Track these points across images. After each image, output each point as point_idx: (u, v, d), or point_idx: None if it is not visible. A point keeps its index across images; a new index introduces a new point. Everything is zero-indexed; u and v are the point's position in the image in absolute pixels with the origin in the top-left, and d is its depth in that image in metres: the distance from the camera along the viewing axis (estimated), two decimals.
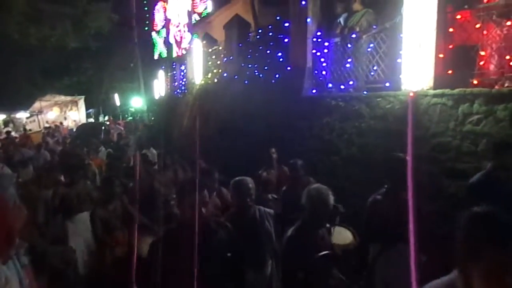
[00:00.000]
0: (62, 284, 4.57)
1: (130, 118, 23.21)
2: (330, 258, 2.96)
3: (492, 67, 4.11)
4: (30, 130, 18.67)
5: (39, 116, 20.57)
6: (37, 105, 20.27)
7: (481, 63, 4.17)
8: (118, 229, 4.49)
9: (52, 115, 22.08)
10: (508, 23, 3.99)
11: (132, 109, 22.74)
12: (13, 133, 17.58)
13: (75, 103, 22.49)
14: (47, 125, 19.63)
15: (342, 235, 3.89)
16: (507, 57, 3.90)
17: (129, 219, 4.53)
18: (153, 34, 19.86)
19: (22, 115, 20.91)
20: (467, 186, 3.52)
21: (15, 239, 2.65)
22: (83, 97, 22.55)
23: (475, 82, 4.17)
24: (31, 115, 20.80)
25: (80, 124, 20.40)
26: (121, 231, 4.51)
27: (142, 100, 21.10)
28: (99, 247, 4.54)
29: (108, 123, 19.98)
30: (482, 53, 4.15)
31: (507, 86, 3.86)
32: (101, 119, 22.75)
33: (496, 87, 3.93)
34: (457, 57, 4.35)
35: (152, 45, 19.43)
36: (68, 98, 22.30)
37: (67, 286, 4.64)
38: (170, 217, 5.12)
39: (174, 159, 6.80)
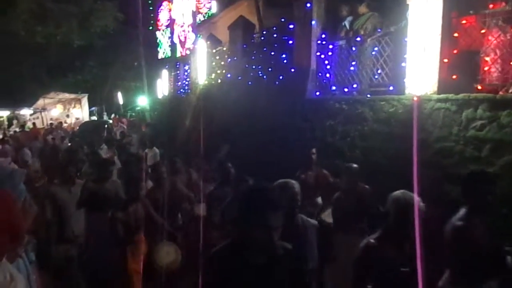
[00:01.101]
0: (65, 280, 4.59)
1: (133, 115, 23.18)
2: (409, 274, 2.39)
3: (496, 72, 4.11)
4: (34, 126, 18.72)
5: (43, 113, 20.64)
6: (40, 102, 20.34)
7: (485, 68, 4.17)
8: (138, 232, 4.32)
9: (55, 112, 22.13)
10: None
11: (138, 108, 22.63)
12: (17, 129, 17.69)
13: (79, 101, 22.54)
14: (51, 121, 19.72)
15: None
16: (511, 63, 3.90)
17: (151, 223, 4.44)
18: (158, 33, 19.92)
19: (26, 112, 20.97)
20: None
21: (23, 237, 2.65)
22: (86, 95, 22.60)
23: (479, 87, 4.17)
24: (35, 112, 20.86)
25: (83, 122, 20.45)
26: (141, 235, 4.35)
27: (145, 99, 21.10)
28: (120, 251, 4.29)
29: (111, 121, 20.01)
30: (487, 58, 4.15)
31: (511, 92, 3.85)
32: (104, 117, 22.75)
33: (501, 93, 3.92)
34: (461, 62, 4.35)
35: (156, 44, 19.49)
36: (72, 95, 22.34)
37: (70, 282, 4.66)
38: (193, 220, 5.06)
39: (188, 161, 6.61)
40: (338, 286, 3.87)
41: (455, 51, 4.38)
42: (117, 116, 22.27)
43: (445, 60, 4.37)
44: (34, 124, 18.26)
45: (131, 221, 4.18)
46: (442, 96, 4.39)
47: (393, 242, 2.49)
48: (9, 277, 2.17)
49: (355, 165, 4.37)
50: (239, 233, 2.04)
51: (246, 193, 2.09)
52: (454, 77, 4.35)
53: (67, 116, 22.14)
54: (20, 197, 3.31)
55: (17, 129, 17.89)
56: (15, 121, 20.58)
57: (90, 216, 4.85)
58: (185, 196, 5.27)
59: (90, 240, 4.78)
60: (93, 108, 24.19)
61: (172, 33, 17.28)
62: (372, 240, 2.56)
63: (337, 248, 4.00)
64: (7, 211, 2.20)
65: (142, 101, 21.34)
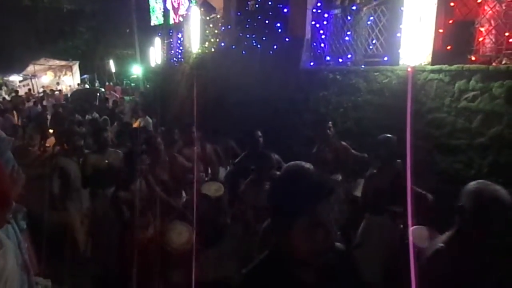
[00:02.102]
0: (61, 249, 4.64)
1: (129, 83, 22.86)
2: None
3: (490, 43, 4.10)
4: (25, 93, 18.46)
5: (33, 80, 20.32)
6: (30, 68, 20.01)
7: (480, 39, 4.15)
8: (144, 212, 3.87)
9: (46, 79, 21.83)
10: None
11: (134, 76, 22.21)
12: (6, 97, 17.44)
13: (70, 68, 22.20)
14: (41, 89, 19.44)
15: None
16: (506, 34, 3.88)
17: (156, 201, 3.94)
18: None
19: (15, 78, 20.63)
20: None
21: (11, 203, 2.67)
22: (77, 62, 22.25)
23: (473, 58, 4.16)
24: (25, 79, 20.54)
25: (74, 89, 20.19)
26: (147, 215, 3.90)
27: (139, 68, 20.77)
28: (125, 233, 3.90)
29: (103, 89, 19.77)
30: (482, 29, 4.13)
31: (504, 63, 3.86)
32: (96, 85, 22.45)
33: (494, 64, 3.93)
34: (456, 32, 4.32)
35: (148, 10, 19.00)
36: (63, 62, 21.99)
37: (65, 252, 4.72)
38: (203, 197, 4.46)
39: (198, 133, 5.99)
40: (369, 270, 3.31)
41: (450, 21, 4.34)
42: (111, 84, 22.00)
43: (440, 31, 4.33)
44: (16, 92, 17.95)
45: (136, 201, 3.74)
46: (435, 67, 4.38)
47: (468, 247, 1.87)
48: None
49: (393, 136, 3.70)
50: (284, 237, 1.33)
51: (298, 178, 1.34)
52: (448, 47, 4.33)
53: (58, 83, 21.84)
54: (7, 165, 3.31)
55: (6, 96, 17.65)
56: (4, 88, 20.27)
57: (95, 197, 4.57)
58: (188, 171, 4.82)
59: (97, 226, 4.53)
60: (84, 76, 23.86)
61: None
62: (441, 245, 1.94)
63: (367, 231, 3.73)
64: None
65: (136, 70, 21.01)
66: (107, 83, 22.54)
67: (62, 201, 4.76)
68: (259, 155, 3.78)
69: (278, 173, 3.45)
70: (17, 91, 17.52)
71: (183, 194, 4.73)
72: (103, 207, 4.43)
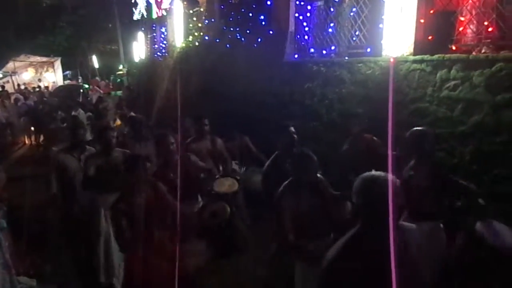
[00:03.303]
0: (42, 247, 4.57)
1: (118, 80, 22.51)
2: None
3: (470, 33, 4.15)
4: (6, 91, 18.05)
5: (13, 77, 19.89)
6: (10, 65, 19.57)
7: (460, 29, 4.20)
8: (152, 229, 3.20)
9: (27, 76, 21.36)
10: None
11: (121, 72, 21.76)
12: None
13: (51, 64, 21.76)
14: (22, 87, 19.04)
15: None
16: (485, 23, 3.94)
17: (168, 215, 3.27)
18: None
19: None
20: None
21: None
22: (59, 58, 21.81)
23: (453, 48, 4.21)
24: (4, 76, 20.08)
25: (57, 86, 19.83)
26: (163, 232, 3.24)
27: (122, 63, 20.48)
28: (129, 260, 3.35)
29: (86, 86, 19.46)
30: (462, 18, 4.17)
31: (484, 53, 3.91)
32: (79, 81, 22.08)
33: (474, 53, 3.98)
34: (437, 22, 4.36)
35: (131, 5, 18.72)
36: (44, 58, 21.53)
37: (47, 249, 4.65)
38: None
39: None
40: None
41: (431, 11, 4.38)
42: (96, 78, 21.66)
43: (422, 21, 4.37)
44: (2, 87, 17.59)
45: (140, 214, 3.14)
46: (417, 57, 4.42)
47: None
48: None
49: (430, 130, 3.46)
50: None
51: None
52: (430, 37, 4.37)
53: (39, 80, 21.41)
54: None
55: None
56: None
57: (98, 200, 4.18)
58: (202, 170, 4.36)
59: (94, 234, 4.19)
60: (67, 72, 23.45)
61: None
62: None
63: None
64: None
65: (125, 66, 20.72)
66: (92, 78, 22.23)
67: (62, 201, 4.46)
68: (298, 155, 3.27)
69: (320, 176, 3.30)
70: (3, 86, 17.22)
71: (199, 198, 4.30)
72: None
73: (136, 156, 3.49)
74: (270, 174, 3.81)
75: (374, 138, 4.32)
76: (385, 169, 1.92)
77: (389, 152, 2.22)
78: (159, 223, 3.23)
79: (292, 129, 3.97)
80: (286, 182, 3.24)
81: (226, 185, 4.26)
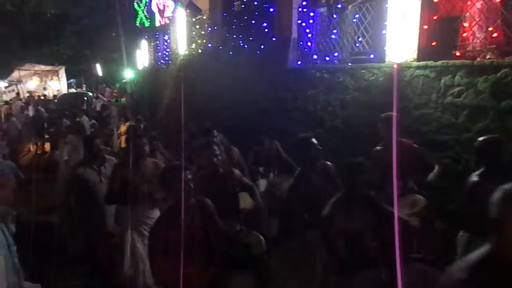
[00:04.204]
0: (47, 254, 4.55)
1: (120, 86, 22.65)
2: None
3: (474, 39, 4.12)
4: (10, 100, 18.20)
5: (19, 86, 20.03)
6: (15, 74, 19.71)
7: (464, 34, 4.18)
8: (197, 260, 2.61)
9: (32, 84, 21.50)
10: None
11: (125, 80, 21.81)
12: None
13: (56, 72, 21.90)
14: (27, 95, 19.16)
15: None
16: (490, 28, 3.91)
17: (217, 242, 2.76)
18: (135, 2, 19.24)
19: (0, 85, 20.33)
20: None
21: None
22: (63, 66, 21.95)
23: (457, 54, 4.19)
24: (10, 85, 20.23)
25: (61, 94, 19.95)
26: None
27: (130, 72, 20.56)
28: None
29: (90, 94, 19.54)
30: (466, 24, 4.15)
31: (488, 58, 3.89)
32: (83, 89, 22.23)
33: (478, 59, 3.95)
34: (441, 28, 4.34)
35: (134, 13, 18.88)
36: (48, 67, 21.68)
37: (52, 257, 4.64)
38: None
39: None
40: None
41: (435, 17, 4.36)
42: (104, 85, 21.76)
43: (425, 27, 4.35)
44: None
45: (183, 238, 2.45)
46: (421, 63, 4.40)
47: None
48: None
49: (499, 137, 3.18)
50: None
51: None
52: (433, 43, 4.35)
53: (44, 88, 21.56)
54: None
55: None
56: None
57: (125, 215, 3.79)
58: (247, 187, 3.90)
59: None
60: (71, 81, 23.60)
61: (150, 1, 16.73)
62: None
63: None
64: None
65: (127, 73, 20.83)
66: (98, 86, 22.41)
67: (81, 215, 4.19)
68: (349, 166, 2.95)
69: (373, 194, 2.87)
70: (18, 93, 17.41)
71: (237, 219, 3.77)
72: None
73: (178, 166, 2.83)
74: (296, 190, 3.46)
75: (415, 145, 3.94)
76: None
77: (394, 159, 2.13)
78: (203, 249, 2.66)
79: (314, 140, 3.63)
80: (334, 199, 2.87)
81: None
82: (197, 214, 2.73)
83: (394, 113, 3.26)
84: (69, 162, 6.59)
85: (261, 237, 3.15)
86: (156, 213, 3.79)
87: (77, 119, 9.58)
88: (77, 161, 4.88)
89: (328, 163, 3.58)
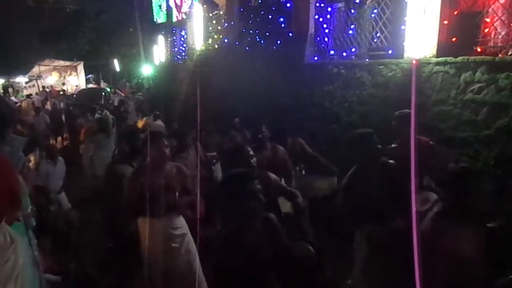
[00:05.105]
0: (65, 245, 4.66)
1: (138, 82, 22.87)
2: None
3: (496, 34, 4.05)
4: (30, 94, 18.58)
5: (38, 81, 20.42)
6: (35, 69, 20.08)
7: (486, 30, 4.10)
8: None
9: (51, 80, 21.90)
10: None
11: (144, 75, 21.89)
12: (12, 98, 17.55)
13: (74, 68, 22.25)
14: (47, 89, 19.53)
15: None
16: None
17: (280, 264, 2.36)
18: None
19: (21, 80, 20.74)
20: None
21: (20, 202, 2.71)
22: (82, 62, 22.28)
23: (478, 50, 4.11)
24: (30, 80, 20.63)
25: (80, 89, 20.28)
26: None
27: (148, 67, 20.71)
28: None
29: (108, 89, 19.80)
30: (487, 20, 4.07)
31: (510, 55, 3.81)
32: (102, 85, 22.53)
33: (500, 55, 3.88)
34: (461, 24, 4.27)
35: (151, 9, 19.00)
36: (67, 63, 22.04)
37: (69, 247, 4.74)
38: None
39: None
40: None
41: (455, 12, 4.29)
42: (124, 80, 21.94)
43: (445, 22, 4.29)
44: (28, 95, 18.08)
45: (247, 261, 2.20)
46: (441, 59, 4.34)
47: None
48: (9, 239, 2.23)
49: None
50: None
51: None
52: (453, 39, 4.28)
53: (63, 84, 21.93)
54: (18, 163, 3.37)
55: (13, 98, 17.75)
56: (10, 89, 20.39)
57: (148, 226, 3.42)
58: (288, 194, 3.52)
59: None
60: (89, 76, 23.92)
61: None
62: None
63: None
64: (5, 176, 2.24)
65: (145, 69, 21.01)
66: (121, 81, 22.72)
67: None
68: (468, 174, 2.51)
69: None
70: (45, 87, 17.72)
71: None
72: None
73: (246, 174, 2.41)
74: (352, 190, 3.17)
75: (431, 142, 3.80)
76: None
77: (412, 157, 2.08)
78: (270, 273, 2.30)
79: (376, 137, 3.32)
80: (435, 216, 2.38)
81: None
82: (264, 233, 2.29)
83: (409, 111, 3.21)
84: (93, 157, 6.80)
85: (310, 247, 2.71)
86: (181, 221, 3.57)
87: (96, 115, 9.74)
88: (117, 157, 4.67)
89: (391, 161, 3.22)
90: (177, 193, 3.45)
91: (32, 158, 5.88)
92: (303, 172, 5.08)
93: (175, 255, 3.45)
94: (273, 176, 3.49)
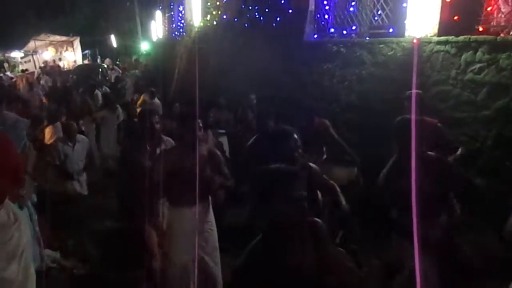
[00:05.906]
0: (63, 219, 4.69)
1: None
2: None
3: (499, 13, 3.99)
4: (26, 70, 18.36)
5: (34, 56, 20.14)
6: (31, 44, 19.77)
7: (489, 9, 4.04)
8: None
9: (47, 55, 21.60)
10: None
11: (143, 52, 21.21)
12: (8, 73, 17.35)
13: (71, 43, 21.91)
14: (42, 65, 19.29)
15: None
16: None
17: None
18: None
19: (16, 55, 20.45)
20: None
21: (23, 180, 2.74)
22: (78, 37, 21.91)
23: (480, 29, 4.06)
24: (26, 55, 20.34)
25: (77, 65, 20.03)
26: None
27: (146, 44, 20.33)
28: None
29: (105, 65, 19.56)
30: None
31: None
32: (98, 61, 22.23)
33: (502, 35, 3.84)
34: (464, 2, 4.21)
35: None
36: (63, 38, 21.66)
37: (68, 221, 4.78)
38: None
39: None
40: None
41: None
42: (134, 59, 21.44)
43: (447, 0, 4.22)
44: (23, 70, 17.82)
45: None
46: (442, 38, 4.29)
47: None
48: (13, 217, 2.26)
49: None
50: None
51: None
52: (456, 18, 4.22)
53: (60, 59, 21.66)
54: (20, 143, 3.43)
55: (9, 73, 17.55)
56: (5, 64, 20.13)
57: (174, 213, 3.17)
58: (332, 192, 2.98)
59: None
60: (86, 52, 23.55)
61: None
62: None
63: None
64: (8, 155, 2.25)
65: (143, 46, 20.64)
66: (133, 58, 22.32)
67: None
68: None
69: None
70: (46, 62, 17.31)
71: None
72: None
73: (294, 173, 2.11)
74: (390, 182, 2.88)
75: (439, 124, 3.68)
76: None
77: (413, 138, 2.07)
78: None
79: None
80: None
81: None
82: (309, 240, 1.92)
83: (417, 91, 3.09)
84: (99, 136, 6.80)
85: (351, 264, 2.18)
86: (211, 215, 3.30)
87: (96, 91, 9.62)
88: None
89: (432, 153, 2.85)
90: (214, 179, 3.14)
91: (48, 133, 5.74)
92: (325, 156, 4.58)
93: (200, 252, 3.09)
94: (316, 168, 2.98)
